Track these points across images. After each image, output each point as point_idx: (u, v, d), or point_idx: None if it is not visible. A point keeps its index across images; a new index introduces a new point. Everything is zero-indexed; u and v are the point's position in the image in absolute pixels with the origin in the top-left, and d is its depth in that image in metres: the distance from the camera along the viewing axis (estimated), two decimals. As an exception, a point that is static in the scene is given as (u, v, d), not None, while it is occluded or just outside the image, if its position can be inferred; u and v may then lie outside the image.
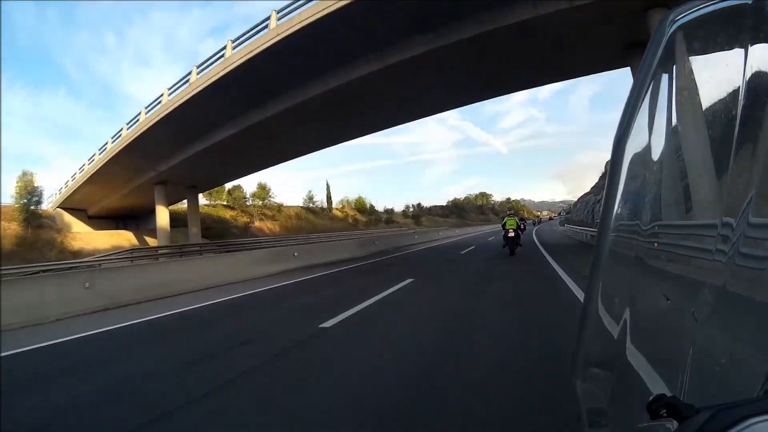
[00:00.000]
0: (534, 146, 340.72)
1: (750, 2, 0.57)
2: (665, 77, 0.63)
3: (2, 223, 22.69)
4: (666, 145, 0.66)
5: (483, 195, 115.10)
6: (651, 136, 0.66)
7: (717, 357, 0.57)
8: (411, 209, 68.48)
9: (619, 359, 0.68)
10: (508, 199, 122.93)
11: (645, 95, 0.63)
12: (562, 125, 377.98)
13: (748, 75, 0.57)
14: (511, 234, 11.97)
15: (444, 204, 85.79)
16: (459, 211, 79.94)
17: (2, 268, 14.55)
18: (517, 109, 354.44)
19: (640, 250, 0.69)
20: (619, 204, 0.66)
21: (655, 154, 0.67)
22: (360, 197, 57.30)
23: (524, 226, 13.28)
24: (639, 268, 0.70)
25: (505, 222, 12.45)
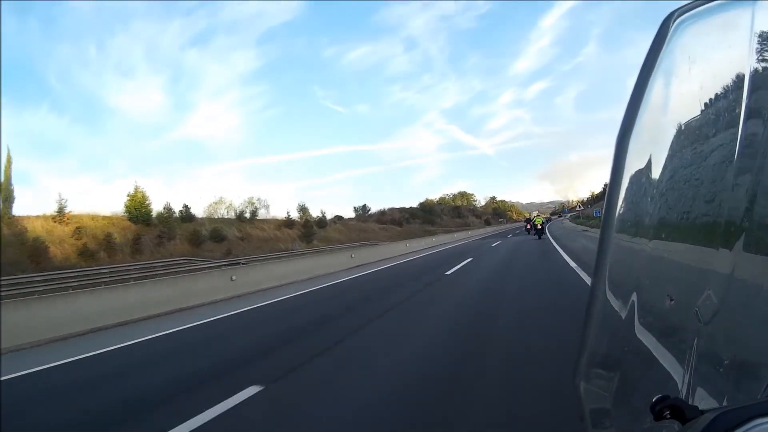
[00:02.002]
0: (521, 147, 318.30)
1: (753, 1, 0.56)
2: (668, 76, 0.63)
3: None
4: (668, 143, 0.66)
5: (463, 195, 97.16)
6: (653, 134, 0.66)
7: (721, 358, 0.56)
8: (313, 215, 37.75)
9: (623, 360, 0.68)
10: (493, 198, 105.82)
11: (647, 93, 0.62)
12: (548, 125, 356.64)
13: (752, 74, 0.56)
14: (539, 227, 22.71)
15: (408, 206, 63.09)
16: (426, 214, 60.74)
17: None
18: (503, 111, 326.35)
19: (643, 248, 0.68)
20: (622, 204, 0.66)
21: (658, 152, 0.66)
22: (137, 190, 26.60)
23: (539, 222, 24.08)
24: (642, 267, 0.70)
25: (535, 219, 24.37)
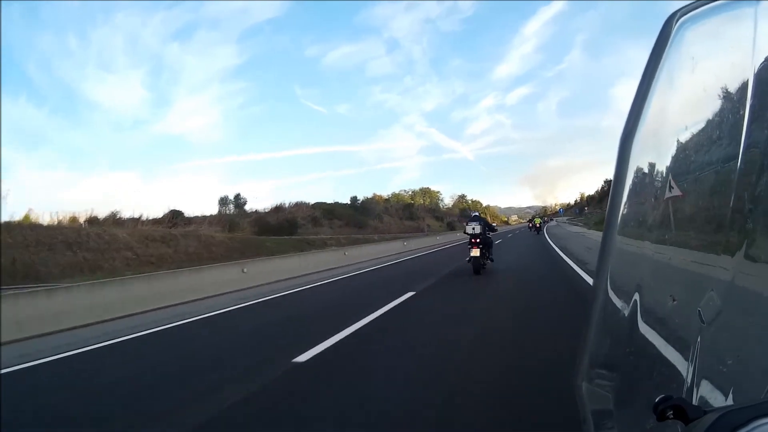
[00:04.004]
0: (501, 152, 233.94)
1: (756, 1, 0.56)
2: (671, 76, 0.63)
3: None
4: (672, 144, 0.66)
5: (426, 192, 76.07)
6: (657, 135, 0.66)
7: (723, 358, 0.56)
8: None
9: (625, 360, 0.68)
10: (462, 196, 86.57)
11: (650, 95, 0.62)
12: (529, 131, 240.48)
13: (755, 74, 0.56)
14: (538, 225, 30.58)
15: (333, 201, 40.41)
16: (357, 213, 39.27)
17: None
18: (484, 116, 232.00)
19: (645, 250, 0.68)
20: (625, 205, 0.66)
21: (661, 153, 0.66)
22: None
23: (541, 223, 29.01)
24: (644, 269, 0.70)
25: (535, 220, 32.94)
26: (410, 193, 74.34)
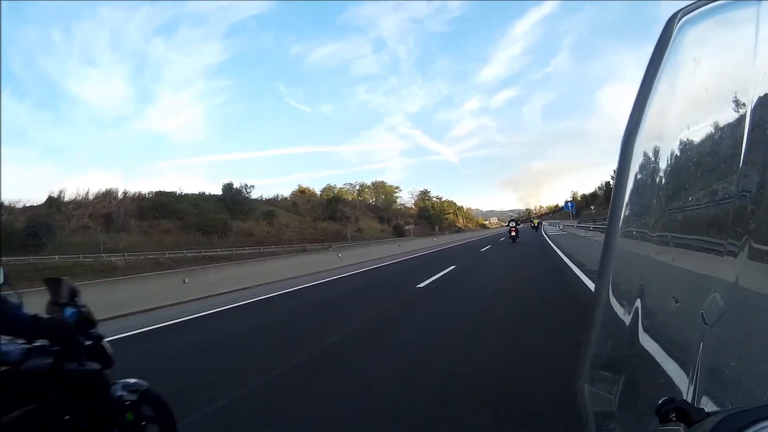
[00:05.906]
0: (485, 155, 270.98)
1: (758, 0, 0.56)
2: (672, 77, 0.63)
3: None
4: (673, 146, 0.65)
5: (379, 187, 55.64)
6: (659, 136, 0.66)
7: (727, 360, 0.56)
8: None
9: (628, 363, 0.68)
10: (425, 192, 71.92)
11: (652, 95, 0.62)
12: (513, 134, 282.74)
13: (757, 74, 0.56)
14: (535, 225, 38.48)
15: (192, 192, 26.78)
16: (207, 215, 23.88)
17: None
18: (469, 118, 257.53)
19: (648, 252, 0.68)
20: (627, 205, 0.66)
21: (663, 155, 0.66)
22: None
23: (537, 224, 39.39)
24: (647, 271, 0.69)
25: (533, 220, 43.19)
26: (357, 187, 57.73)
